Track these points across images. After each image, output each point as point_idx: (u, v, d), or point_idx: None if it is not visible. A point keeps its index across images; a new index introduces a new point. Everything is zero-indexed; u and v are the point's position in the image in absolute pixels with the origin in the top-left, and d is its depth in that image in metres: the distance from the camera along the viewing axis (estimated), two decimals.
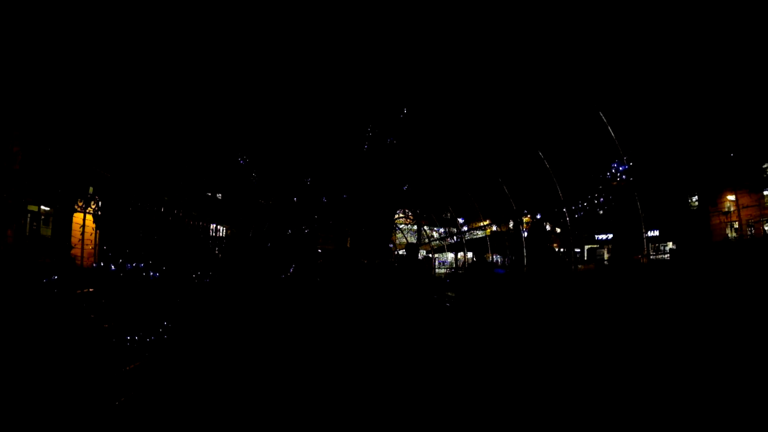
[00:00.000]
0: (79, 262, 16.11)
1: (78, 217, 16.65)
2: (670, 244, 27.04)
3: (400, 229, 43.02)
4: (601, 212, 31.43)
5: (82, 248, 18.00)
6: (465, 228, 39.50)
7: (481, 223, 37.75)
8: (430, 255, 39.85)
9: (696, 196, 24.34)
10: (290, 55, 21.51)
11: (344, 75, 23.50)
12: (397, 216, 42.19)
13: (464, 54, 20.33)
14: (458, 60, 20.79)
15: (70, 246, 16.46)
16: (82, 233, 16.53)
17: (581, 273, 24.87)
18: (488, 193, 33.65)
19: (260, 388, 4.72)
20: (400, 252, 40.65)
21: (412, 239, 41.34)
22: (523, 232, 32.49)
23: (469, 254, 39.47)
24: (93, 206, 16.08)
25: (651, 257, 28.35)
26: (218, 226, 24.60)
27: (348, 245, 35.39)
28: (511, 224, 40.25)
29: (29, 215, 16.72)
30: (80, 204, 15.91)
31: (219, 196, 26.19)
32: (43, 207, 17.14)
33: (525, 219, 35.14)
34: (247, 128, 25.16)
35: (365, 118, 28.35)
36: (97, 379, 4.97)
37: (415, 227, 41.74)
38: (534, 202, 31.68)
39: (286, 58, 21.75)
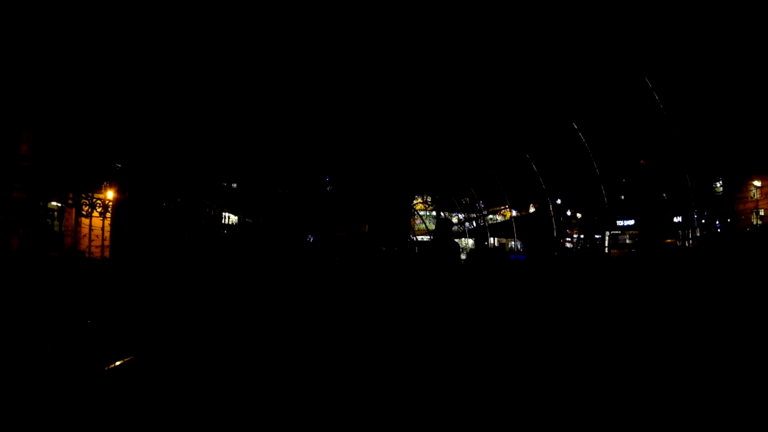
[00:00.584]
0: (89, 255, 16.62)
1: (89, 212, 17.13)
2: (691, 231, 26.07)
3: (419, 214, 42.77)
4: (623, 197, 30.54)
5: (102, 243, 18.55)
6: (485, 213, 38.98)
7: (501, 208, 37.16)
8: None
9: (720, 181, 23.30)
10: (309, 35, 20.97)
11: (364, 55, 22.88)
12: (415, 201, 41.92)
13: (486, 23, 19.31)
14: (480, 30, 19.76)
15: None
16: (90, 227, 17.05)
17: (617, 259, 24.14)
18: (513, 172, 32.56)
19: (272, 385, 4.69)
20: (419, 238, 40.48)
21: (431, 225, 41.07)
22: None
23: (492, 240, 39.00)
24: (99, 204, 16.48)
25: (677, 243, 27.43)
26: (229, 214, 24.92)
27: (366, 231, 35.43)
28: (531, 209, 39.43)
29: (41, 211, 17.24)
30: (90, 200, 16.36)
31: (234, 185, 26.62)
32: (55, 203, 17.60)
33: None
34: (263, 116, 25.21)
35: (383, 96, 27.46)
36: (81, 375, 4.95)
37: (434, 213, 41.42)
38: (562, 182, 30.54)
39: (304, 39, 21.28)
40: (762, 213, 21.80)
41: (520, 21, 18.64)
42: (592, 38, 18.93)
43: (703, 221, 24.02)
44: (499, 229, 38.32)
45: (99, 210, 18.00)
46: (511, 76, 22.32)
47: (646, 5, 17.17)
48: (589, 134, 24.79)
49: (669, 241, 23.98)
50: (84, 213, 15.86)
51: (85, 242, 17.39)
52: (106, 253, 18.48)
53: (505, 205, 36.05)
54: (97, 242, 17.57)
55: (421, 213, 42.73)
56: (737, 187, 22.20)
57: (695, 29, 17.27)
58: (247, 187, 26.72)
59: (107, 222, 18.70)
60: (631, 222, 30.36)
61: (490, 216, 39.47)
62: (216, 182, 23.94)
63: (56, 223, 18.23)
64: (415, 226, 42.49)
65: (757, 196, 22.05)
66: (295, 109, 25.79)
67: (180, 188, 18.49)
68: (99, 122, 18.07)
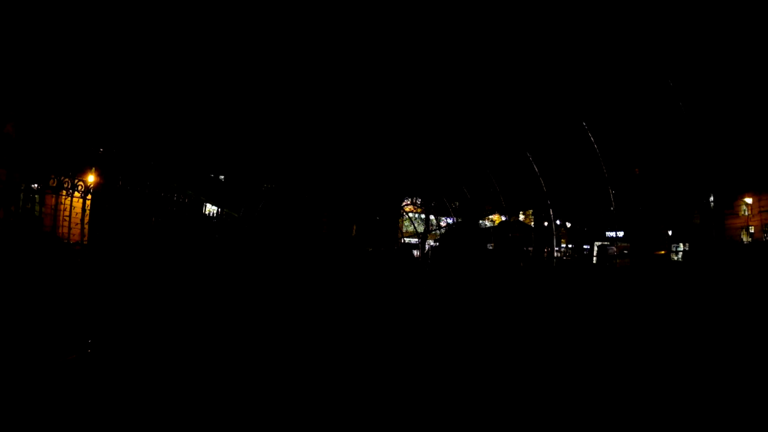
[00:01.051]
0: (67, 240, 16.04)
1: (67, 196, 16.53)
2: (681, 245, 26.21)
3: (409, 216, 42.49)
4: (612, 208, 30.52)
5: (81, 227, 17.94)
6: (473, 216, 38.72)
7: (492, 216, 37.02)
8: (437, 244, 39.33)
9: (712, 197, 23.40)
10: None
11: (353, 47, 22.26)
12: (404, 203, 41.62)
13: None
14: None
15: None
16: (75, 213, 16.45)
17: (621, 269, 23.88)
18: (509, 173, 31.76)
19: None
20: (406, 240, 40.24)
21: (420, 227, 40.87)
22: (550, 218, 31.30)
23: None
24: (82, 185, 15.89)
25: (673, 256, 27.51)
26: (211, 206, 24.11)
27: (353, 232, 35.08)
28: (521, 216, 39.36)
29: (22, 194, 16.65)
30: (70, 182, 15.76)
31: (222, 177, 26.10)
32: (37, 185, 17.03)
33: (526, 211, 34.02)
34: (251, 110, 24.73)
35: (373, 90, 26.58)
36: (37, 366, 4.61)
37: (423, 216, 41.18)
38: (553, 187, 29.99)
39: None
40: (752, 230, 21.96)
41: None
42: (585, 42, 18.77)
43: (694, 236, 24.21)
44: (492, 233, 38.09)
45: (78, 192, 17.37)
46: (509, 72, 21.72)
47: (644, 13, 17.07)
48: (576, 142, 24.51)
49: (662, 253, 24.02)
50: (52, 193, 15.34)
51: (65, 226, 16.86)
52: (85, 238, 17.89)
53: (496, 207, 35.69)
54: (77, 227, 17.01)
55: (411, 215, 42.46)
56: (728, 203, 22.35)
57: (693, 38, 17.25)
58: (234, 180, 26.19)
59: (87, 205, 18.12)
60: (621, 233, 30.39)
61: (480, 221, 39.26)
62: (200, 172, 23.41)
63: (37, 207, 17.71)
64: (404, 228, 42.22)
65: (748, 213, 22.22)
66: (283, 104, 25.31)
67: (152, 173, 17.91)
68: (83, 105, 17.57)
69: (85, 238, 17.86)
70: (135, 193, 13.90)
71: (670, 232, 25.59)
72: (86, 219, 18.08)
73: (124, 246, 15.16)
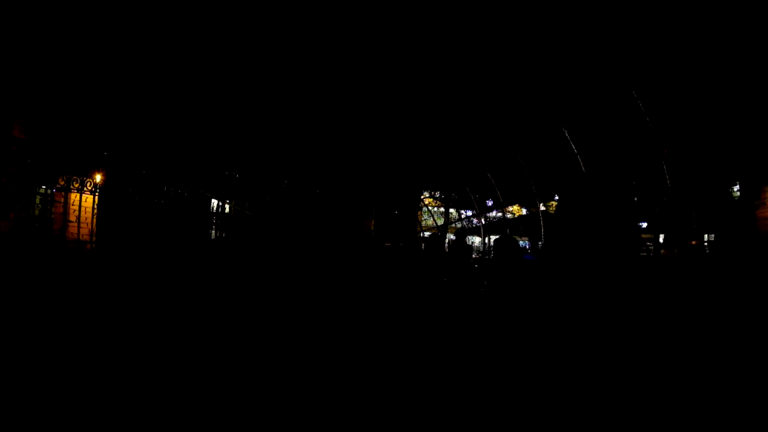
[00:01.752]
0: (75, 239, 16.43)
1: (75, 197, 16.94)
2: (705, 236, 25.00)
3: (428, 209, 42.02)
4: (636, 199, 29.27)
5: (91, 227, 18.38)
6: (495, 212, 37.93)
7: (510, 208, 36.03)
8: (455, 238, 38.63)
9: (738, 186, 22.14)
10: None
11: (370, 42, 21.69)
12: (423, 196, 41.14)
13: None
14: None
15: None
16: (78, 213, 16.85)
17: (666, 259, 22.84)
18: (536, 160, 30.01)
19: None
20: (426, 234, 39.82)
21: (440, 220, 40.37)
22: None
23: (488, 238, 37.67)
24: (88, 182, 16.25)
25: (705, 246, 26.21)
26: (218, 202, 24.21)
27: (371, 227, 34.96)
28: (542, 207, 38.18)
29: (38, 197, 17.18)
30: (76, 185, 16.12)
31: (237, 175, 26.32)
32: (46, 187, 17.48)
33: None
34: (264, 105, 24.70)
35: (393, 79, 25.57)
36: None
37: (443, 209, 40.61)
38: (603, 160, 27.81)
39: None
40: None
41: None
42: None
43: (722, 226, 23.01)
44: (509, 226, 37.30)
45: (88, 189, 17.77)
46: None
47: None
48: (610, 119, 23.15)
49: (694, 243, 22.91)
50: (60, 191, 15.68)
51: (71, 228, 17.27)
52: (93, 239, 18.30)
53: (514, 205, 34.73)
54: (84, 228, 17.41)
55: (430, 208, 41.98)
56: (756, 192, 21.03)
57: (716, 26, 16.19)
58: (248, 177, 26.37)
59: (93, 206, 18.57)
60: (644, 224, 29.18)
61: (494, 213, 38.29)
62: (211, 169, 23.62)
63: (49, 208, 18.22)
64: (422, 221, 41.82)
65: None
66: (298, 98, 25.11)
67: (142, 172, 18.10)
68: (90, 104, 17.91)
69: (94, 238, 18.29)
70: (120, 191, 14.06)
71: (697, 223, 24.40)
72: (95, 218, 18.49)
73: (124, 243, 15.43)
